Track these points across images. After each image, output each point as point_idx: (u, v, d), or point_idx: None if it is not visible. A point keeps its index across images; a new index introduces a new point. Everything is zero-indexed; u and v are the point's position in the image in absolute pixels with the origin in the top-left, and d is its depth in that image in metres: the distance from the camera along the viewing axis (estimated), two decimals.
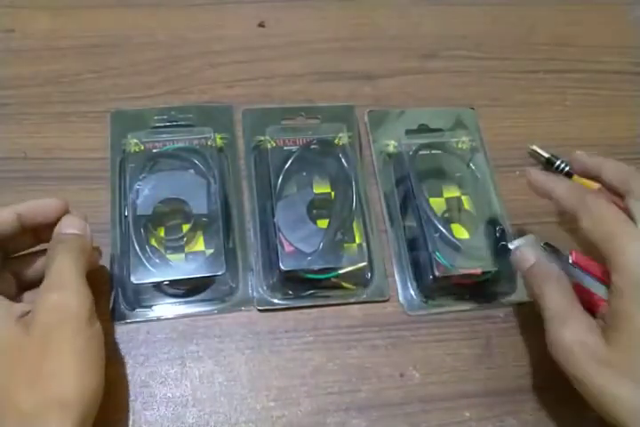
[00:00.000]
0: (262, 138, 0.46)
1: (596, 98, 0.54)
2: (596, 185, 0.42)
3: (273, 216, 0.42)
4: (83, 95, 0.48)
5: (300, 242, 0.40)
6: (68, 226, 0.36)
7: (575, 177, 0.47)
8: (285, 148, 0.45)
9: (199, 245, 0.41)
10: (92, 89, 0.49)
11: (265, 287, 0.41)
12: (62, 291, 0.33)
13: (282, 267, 0.40)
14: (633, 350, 0.31)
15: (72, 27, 0.52)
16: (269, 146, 0.44)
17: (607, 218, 0.34)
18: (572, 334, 0.33)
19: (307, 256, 0.40)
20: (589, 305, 0.36)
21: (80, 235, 0.36)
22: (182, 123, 0.46)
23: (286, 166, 0.44)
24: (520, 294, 0.43)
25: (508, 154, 0.49)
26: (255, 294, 0.41)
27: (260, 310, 0.41)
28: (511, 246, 0.38)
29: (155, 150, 0.43)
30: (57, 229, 0.36)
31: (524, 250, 0.38)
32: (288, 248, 0.40)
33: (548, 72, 0.54)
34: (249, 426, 0.37)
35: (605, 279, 0.36)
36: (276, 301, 0.41)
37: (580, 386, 0.33)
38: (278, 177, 0.43)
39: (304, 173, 0.44)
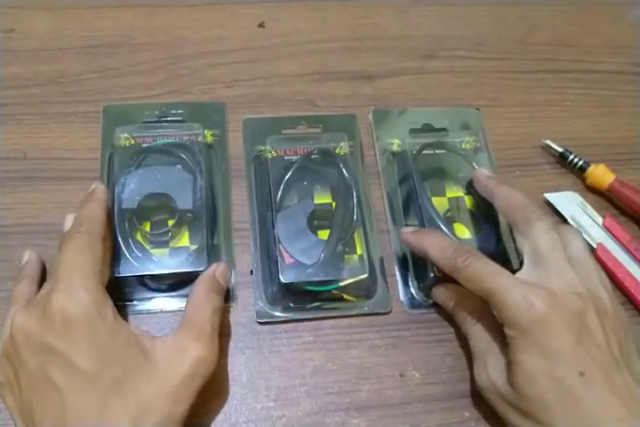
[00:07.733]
0: (263, 148, 0.45)
1: (596, 98, 0.54)
2: (611, 177, 0.46)
3: (273, 227, 0.41)
4: (83, 95, 0.48)
5: (301, 254, 0.40)
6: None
7: (589, 171, 0.47)
8: (286, 157, 0.44)
9: (184, 240, 0.41)
10: (92, 89, 0.49)
11: (265, 300, 0.41)
12: (207, 348, 0.34)
13: (282, 279, 0.39)
14: (526, 392, 0.33)
15: (72, 27, 0.52)
16: (270, 156, 0.44)
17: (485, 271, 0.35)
18: (486, 374, 0.35)
19: (307, 268, 0.40)
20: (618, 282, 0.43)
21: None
22: (173, 118, 0.46)
23: (287, 177, 0.43)
24: None
25: (508, 154, 0.49)
26: (255, 306, 0.41)
27: (260, 323, 0.41)
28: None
29: (144, 145, 0.43)
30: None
31: (446, 289, 0.40)
32: (288, 260, 0.40)
33: (547, 72, 0.54)
34: (249, 426, 0.37)
35: (631, 250, 0.43)
36: (277, 313, 0.41)
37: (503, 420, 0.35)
38: (279, 187, 0.43)
39: (305, 184, 0.44)
